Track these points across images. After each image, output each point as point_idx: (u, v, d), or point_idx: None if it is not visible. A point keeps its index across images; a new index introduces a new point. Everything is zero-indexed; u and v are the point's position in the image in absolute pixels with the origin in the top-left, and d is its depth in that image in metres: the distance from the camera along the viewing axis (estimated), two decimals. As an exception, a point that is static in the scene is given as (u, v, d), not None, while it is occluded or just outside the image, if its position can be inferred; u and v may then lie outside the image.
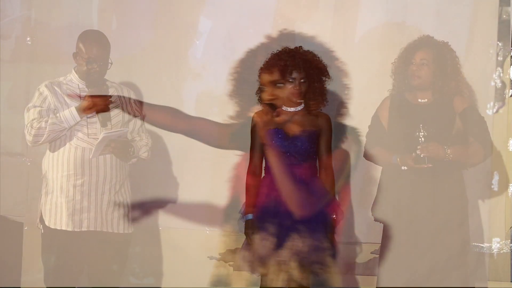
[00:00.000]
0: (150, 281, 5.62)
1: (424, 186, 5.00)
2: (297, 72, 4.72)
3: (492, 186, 5.28)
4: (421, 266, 4.99)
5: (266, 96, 4.77)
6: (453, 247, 4.99)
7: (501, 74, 5.29)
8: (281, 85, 4.73)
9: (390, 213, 5.07)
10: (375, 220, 5.14)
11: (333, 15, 5.45)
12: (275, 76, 4.73)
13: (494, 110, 5.28)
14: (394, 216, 5.05)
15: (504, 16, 5.30)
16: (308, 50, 4.86)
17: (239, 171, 5.25)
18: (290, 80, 4.73)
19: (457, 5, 5.33)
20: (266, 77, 4.77)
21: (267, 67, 4.76)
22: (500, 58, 5.31)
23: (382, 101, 5.14)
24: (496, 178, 5.28)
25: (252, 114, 4.81)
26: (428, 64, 5.03)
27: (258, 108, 4.84)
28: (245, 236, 4.77)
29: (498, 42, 5.29)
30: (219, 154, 5.52)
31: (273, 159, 4.74)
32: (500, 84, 5.30)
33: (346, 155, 5.25)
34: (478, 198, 5.28)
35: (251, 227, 4.73)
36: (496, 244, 5.28)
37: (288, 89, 4.75)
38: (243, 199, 4.96)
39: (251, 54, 5.39)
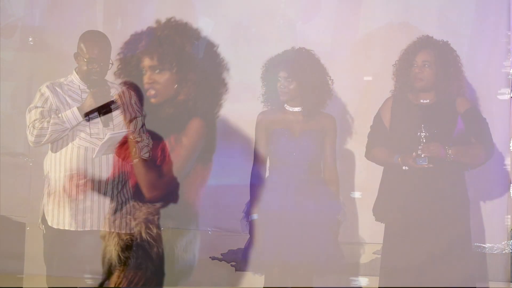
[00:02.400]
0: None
1: (425, 186, 5.02)
2: (281, 71, 4.80)
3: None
4: (422, 265, 5.00)
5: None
6: (454, 247, 5.00)
7: None
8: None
9: (391, 213, 5.08)
10: (377, 220, 5.15)
11: (335, 16, 5.46)
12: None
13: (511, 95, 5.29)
14: (395, 216, 5.06)
15: None
16: (305, 51, 4.90)
17: None
18: (278, 79, 4.82)
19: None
20: (281, 74, 4.84)
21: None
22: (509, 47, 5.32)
23: (384, 101, 5.16)
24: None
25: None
26: (430, 66, 5.04)
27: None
28: (248, 236, 4.79)
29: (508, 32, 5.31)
30: (219, 154, 5.51)
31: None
32: None
33: None
34: (480, 199, 5.29)
35: (256, 227, 4.75)
36: (497, 245, 5.30)
37: (278, 87, 4.83)
38: (246, 199, 4.98)
39: (252, 54, 5.40)
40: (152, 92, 4.82)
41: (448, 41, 5.08)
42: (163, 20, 4.94)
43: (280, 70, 4.90)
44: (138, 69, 4.89)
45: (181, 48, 4.83)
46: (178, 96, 4.80)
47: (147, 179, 4.48)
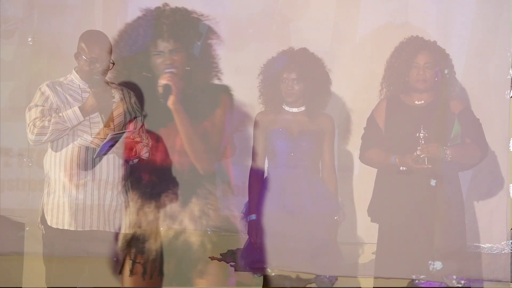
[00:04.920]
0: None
1: (420, 187, 5.03)
2: (288, 72, 4.80)
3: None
4: (417, 266, 5.01)
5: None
6: (449, 247, 5.01)
7: None
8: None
9: (385, 213, 5.09)
10: (372, 221, 5.16)
11: (334, 16, 5.46)
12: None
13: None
14: (389, 217, 5.07)
15: None
16: (309, 52, 4.91)
17: None
18: (284, 80, 4.81)
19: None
20: (285, 74, 4.85)
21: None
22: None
23: (377, 103, 5.16)
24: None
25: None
26: (431, 68, 5.05)
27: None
28: (247, 236, 4.78)
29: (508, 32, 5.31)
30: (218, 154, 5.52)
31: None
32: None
33: None
34: (479, 199, 5.29)
35: (254, 228, 4.75)
36: (497, 245, 5.30)
37: (283, 88, 4.83)
38: (245, 199, 4.98)
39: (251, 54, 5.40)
40: (174, 70, 4.85)
41: (436, 41, 5.09)
42: (162, 6, 4.98)
43: (286, 71, 4.90)
44: (146, 54, 4.91)
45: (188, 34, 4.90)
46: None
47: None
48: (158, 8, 4.97)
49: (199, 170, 4.82)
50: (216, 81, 4.94)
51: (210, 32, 5.05)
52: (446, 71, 5.06)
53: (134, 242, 4.92)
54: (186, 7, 5.02)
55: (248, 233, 4.79)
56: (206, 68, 4.94)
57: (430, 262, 5.01)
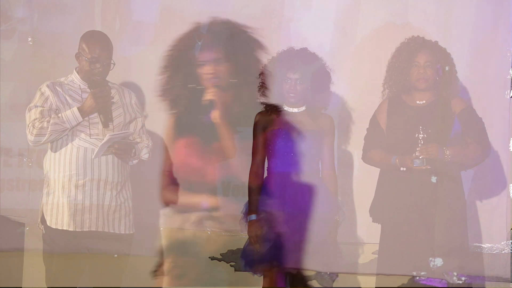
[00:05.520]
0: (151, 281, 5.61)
1: (422, 187, 5.02)
2: (292, 72, 4.79)
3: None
4: (419, 266, 5.01)
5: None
6: (451, 247, 5.00)
7: None
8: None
9: (388, 214, 5.09)
10: (374, 221, 5.16)
11: (334, 16, 5.46)
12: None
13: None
14: (392, 217, 5.07)
15: None
16: (310, 52, 4.90)
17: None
18: (287, 80, 4.81)
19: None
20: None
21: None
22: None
23: (379, 104, 5.16)
24: None
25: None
26: (432, 66, 5.04)
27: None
28: (247, 237, 4.78)
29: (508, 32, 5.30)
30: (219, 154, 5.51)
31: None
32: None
33: None
34: (479, 199, 5.28)
35: (254, 228, 4.75)
36: (497, 245, 5.29)
37: (285, 88, 4.83)
38: (245, 199, 4.97)
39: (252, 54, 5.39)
40: (217, 80, 4.92)
41: (437, 41, 5.08)
42: (207, 19, 5.00)
43: (290, 71, 4.89)
44: (191, 64, 4.97)
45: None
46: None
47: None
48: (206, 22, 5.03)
49: None
50: (262, 99, 4.95)
51: (257, 45, 5.08)
52: (447, 68, 5.05)
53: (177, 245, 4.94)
54: (230, 19, 5.06)
55: (248, 233, 4.79)
56: (254, 83, 4.95)
57: (430, 258, 5.01)
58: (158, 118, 5.38)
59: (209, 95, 4.93)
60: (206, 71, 5.00)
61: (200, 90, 4.97)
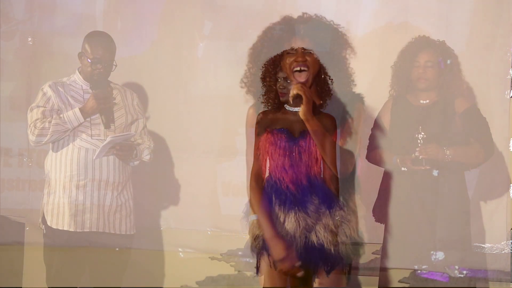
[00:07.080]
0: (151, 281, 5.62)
1: (425, 187, 5.03)
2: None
3: None
4: (420, 260, 5.02)
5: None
6: (452, 237, 5.01)
7: None
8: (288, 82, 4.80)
9: (390, 214, 5.09)
10: (377, 221, 5.16)
11: (334, 16, 5.45)
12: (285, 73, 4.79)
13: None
14: (394, 217, 5.07)
15: None
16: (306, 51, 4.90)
17: None
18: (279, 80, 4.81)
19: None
20: (281, 74, 4.82)
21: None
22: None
23: (384, 103, 5.17)
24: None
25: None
26: (433, 66, 5.05)
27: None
28: (248, 237, 4.78)
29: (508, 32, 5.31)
30: (220, 155, 5.53)
31: None
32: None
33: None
34: (480, 199, 5.29)
35: (255, 228, 4.74)
36: (497, 245, 5.30)
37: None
38: (246, 199, 4.97)
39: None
40: (305, 68, 4.72)
41: (444, 41, 5.09)
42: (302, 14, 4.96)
43: (280, 71, 4.88)
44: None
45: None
46: None
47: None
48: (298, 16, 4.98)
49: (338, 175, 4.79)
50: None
51: (344, 43, 5.02)
52: (448, 61, 5.05)
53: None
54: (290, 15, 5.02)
55: (249, 234, 4.78)
56: (341, 79, 4.88)
57: (432, 252, 5.01)
58: (160, 119, 5.40)
59: (295, 90, 4.82)
60: (294, 58, 4.89)
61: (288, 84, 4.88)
